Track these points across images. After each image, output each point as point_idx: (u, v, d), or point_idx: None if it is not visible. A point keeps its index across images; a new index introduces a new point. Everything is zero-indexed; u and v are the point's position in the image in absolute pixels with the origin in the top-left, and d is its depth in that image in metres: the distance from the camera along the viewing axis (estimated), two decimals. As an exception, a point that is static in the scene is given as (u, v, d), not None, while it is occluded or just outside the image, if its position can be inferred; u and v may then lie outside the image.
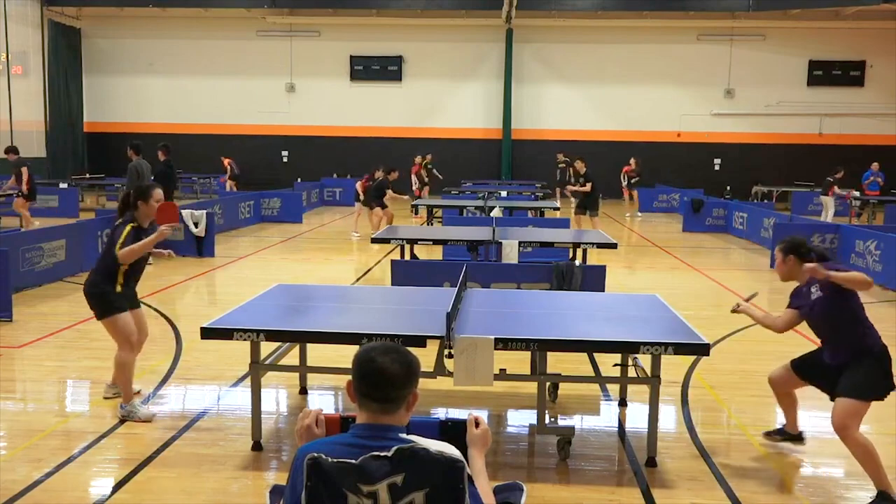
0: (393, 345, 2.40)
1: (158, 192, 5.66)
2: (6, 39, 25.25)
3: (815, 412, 5.79)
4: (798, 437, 5.21)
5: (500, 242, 8.62)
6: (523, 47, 28.53)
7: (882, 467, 4.31)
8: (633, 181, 23.18)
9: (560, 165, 25.23)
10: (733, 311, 5.03)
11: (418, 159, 22.65)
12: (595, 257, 12.01)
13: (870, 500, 4.33)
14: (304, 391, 6.04)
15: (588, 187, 15.57)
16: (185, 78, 29.47)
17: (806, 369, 4.82)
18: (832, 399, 4.54)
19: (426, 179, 23.31)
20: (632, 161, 23.34)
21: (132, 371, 5.55)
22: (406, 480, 2.22)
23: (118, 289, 5.53)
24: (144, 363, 6.55)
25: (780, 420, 5.57)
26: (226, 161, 25.73)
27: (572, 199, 21.32)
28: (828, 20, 27.03)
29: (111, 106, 29.74)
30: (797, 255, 4.63)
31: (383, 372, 2.29)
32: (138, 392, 5.87)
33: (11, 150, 16.18)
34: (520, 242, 8.60)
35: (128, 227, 5.51)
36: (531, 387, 5.46)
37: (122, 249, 5.40)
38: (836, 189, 19.19)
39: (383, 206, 15.24)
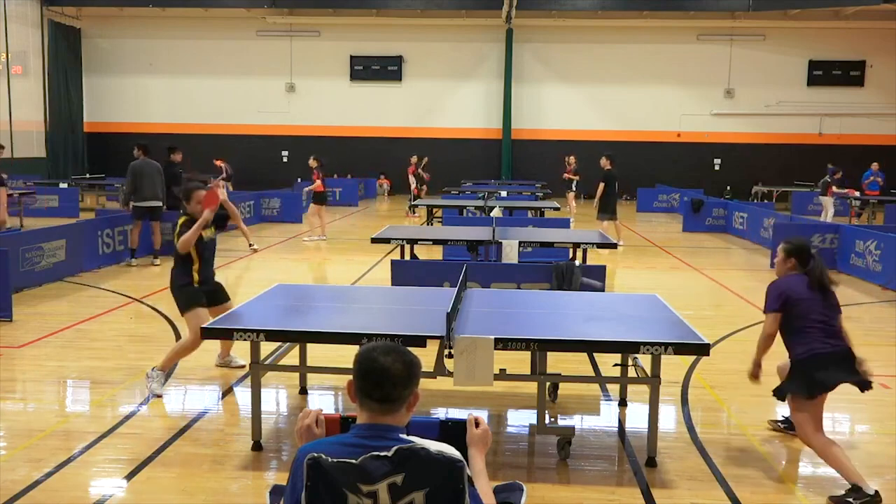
0: (394, 345, 2.40)
1: (199, 194, 6.05)
2: (6, 39, 25.25)
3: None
4: None
5: (500, 242, 8.62)
6: (523, 47, 28.54)
7: (847, 462, 4.38)
8: (571, 183, 21.28)
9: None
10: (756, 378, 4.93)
11: (414, 159, 22.64)
12: (595, 257, 12.03)
13: (843, 493, 4.37)
14: (304, 391, 6.04)
15: (600, 188, 15.03)
16: (185, 78, 29.48)
17: None
18: None
19: (425, 179, 23.31)
20: (571, 160, 21.72)
21: (181, 357, 6.07)
22: (406, 480, 2.22)
23: (195, 283, 5.96)
24: (145, 363, 6.55)
25: (781, 414, 5.58)
26: (218, 162, 25.73)
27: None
28: (828, 20, 27.03)
29: (111, 106, 29.74)
30: (798, 261, 4.74)
31: (385, 371, 2.29)
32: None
33: None
34: (520, 242, 8.60)
35: (181, 219, 5.99)
36: (531, 387, 5.46)
37: (178, 240, 5.89)
38: (834, 189, 19.19)
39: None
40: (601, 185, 14.89)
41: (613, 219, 15.03)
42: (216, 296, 6.22)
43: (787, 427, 5.35)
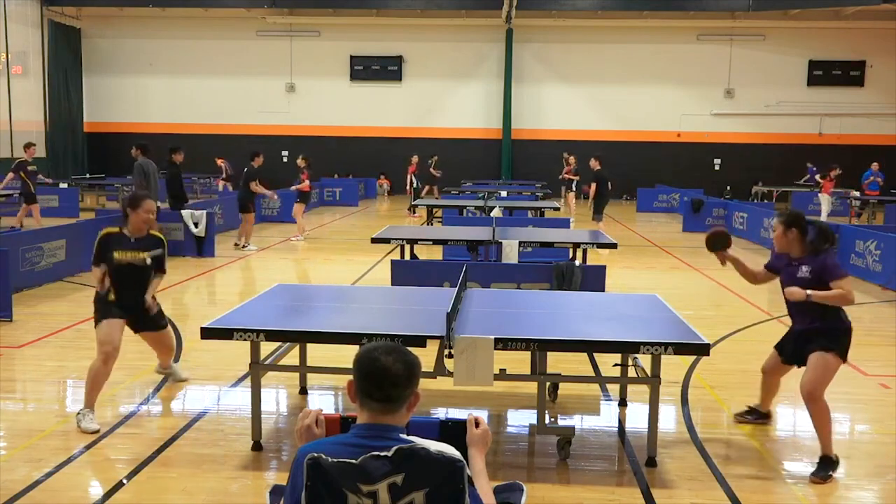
0: (394, 345, 2.40)
1: (150, 204, 5.59)
2: (6, 39, 25.24)
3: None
4: (767, 416, 5.47)
5: (500, 242, 8.62)
6: (523, 47, 28.53)
7: (831, 432, 4.60)
8: (571, 183, 21.25)
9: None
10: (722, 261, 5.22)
11: (415, 159, 22.62)
12: (595, 257, 12.02)
13: (817, 464, 4.58)
14: (304, 391, 6.04)
15: (593, 188, 15.19)
16: (185, 78, 29.48)
17: (783, 348, 5.09)
18: (801, 365, 4.82)
19: (436, 176, 23.32)
20: (571, 160, 21.72)
21: (99, 382, 5.30)
22: (406, 480, 2.22)
23: (111, 297, 5.49)
24: (144, 363, 6.56)
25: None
26: (219, 161, 25.81)
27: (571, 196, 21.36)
28: (828, 20, 27.02)
29: (111, 106, 29.73)
30: (800, 230, 4.78)
31: (385, 371, 2.29)
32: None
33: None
34: (520, 242, 8.60)
35: (99, 235, 5.54)
36: (531, 387, 5.46)
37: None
38: (827, 183, 19.34)
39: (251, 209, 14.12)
40: (594, 185, 15.04)
41: (599, 219, 15.11)
42: (145, 322, 5.68)
43: (756, 417, 5.46)
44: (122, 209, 5.65)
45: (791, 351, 4.97)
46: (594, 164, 15.22)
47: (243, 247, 13.96)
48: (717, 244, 5.13)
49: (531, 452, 5.04)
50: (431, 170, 23.64)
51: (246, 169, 14.39)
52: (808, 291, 4.60)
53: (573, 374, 6.14)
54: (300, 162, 15.23)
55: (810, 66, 28.03)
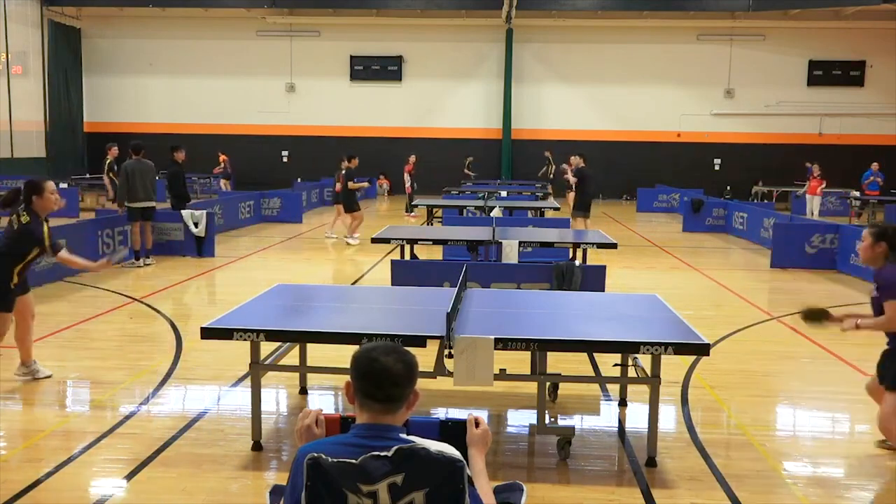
0: (393, 345, 2.40)
1: (51, 185, 5.83)
2: (6, 39, 25.25)
3: (816, 412, 5.79)
4: None
5: (500, 242, 8.62)
6: (523, 47, 28.54)
7: None
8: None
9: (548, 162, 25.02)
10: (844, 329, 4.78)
11: (412, 159, 22.60)
12: (594, 257, 12.01)
13: None
14: (304, 391, 6.04)
15: (573, 182, 15.14)
16: (185, 78, 29.49)
17: (878, 368, 4.79)
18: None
19: (470, 176, 23.21)
20: (572, 159, 21.98)
21: None
22: (406, 480, 2.22)
23: (14, 283, 5.72)
24: (145, 363, 6.56)
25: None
26: (222, 157, 25.77)
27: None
28: (828, 20, 27.04)
29: (111, 106, 29.74)
30: (890, 246, 4.50)
31: (385, 371, 2.29)
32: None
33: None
34: (520, 242, 8.60)
35: (46, 227, 5.79)
36: (531, 387, 5.46)
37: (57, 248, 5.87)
38: (814, 183, 19.50)
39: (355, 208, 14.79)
40: (574, 181, 14.99)
41: (587, 216, 15.00)
42: (23, 289, 6.06)
43: None
44: (24, 199, 5.82)
45: (878, 369, 4.69)
46: (577, 161, 15.21)
47: (346, 238, 14.77)
48: (815, 318, 4.80)
49: (531, 452, 5.04)
50: (466, 170, 23.48)
51: (344, 171, 15.05)
52: (858, 321, 4.37)
53: (573, 374, 6.14)
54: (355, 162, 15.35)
55: (810, 66, 28.04)
